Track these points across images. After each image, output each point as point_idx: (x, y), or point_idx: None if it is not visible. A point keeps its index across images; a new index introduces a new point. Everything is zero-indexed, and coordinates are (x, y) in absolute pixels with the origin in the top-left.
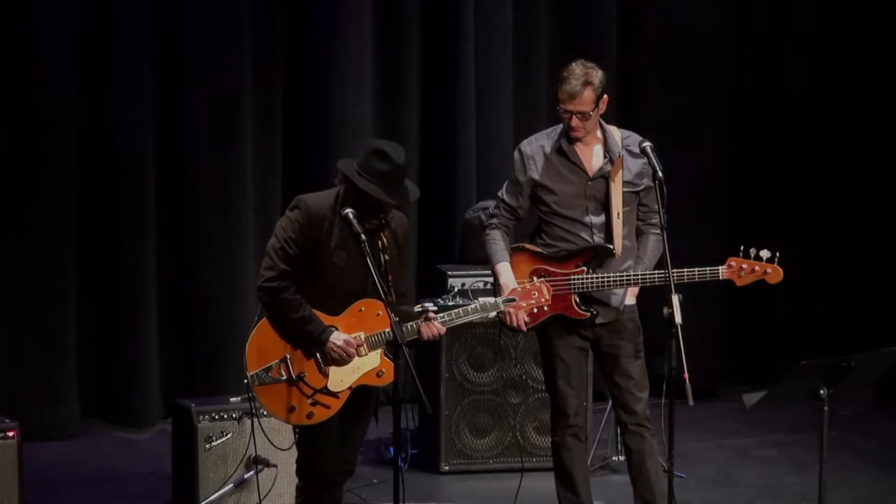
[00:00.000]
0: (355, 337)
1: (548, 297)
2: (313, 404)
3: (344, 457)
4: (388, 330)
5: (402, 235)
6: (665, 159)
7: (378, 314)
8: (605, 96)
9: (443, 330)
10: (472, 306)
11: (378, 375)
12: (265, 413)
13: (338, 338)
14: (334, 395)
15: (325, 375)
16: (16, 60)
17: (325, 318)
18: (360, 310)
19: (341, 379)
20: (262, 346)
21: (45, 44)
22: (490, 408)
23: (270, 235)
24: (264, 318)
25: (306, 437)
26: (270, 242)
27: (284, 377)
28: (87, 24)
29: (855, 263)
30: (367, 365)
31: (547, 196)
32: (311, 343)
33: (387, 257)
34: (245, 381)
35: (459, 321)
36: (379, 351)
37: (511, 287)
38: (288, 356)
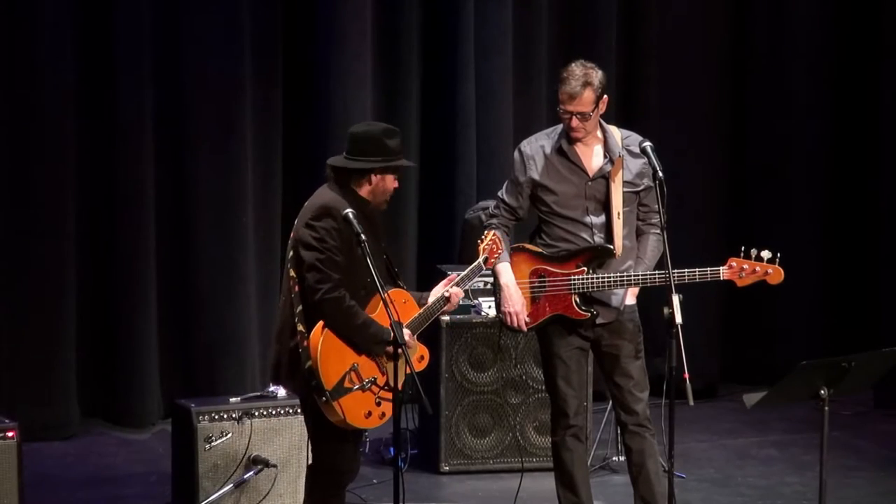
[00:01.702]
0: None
1: (500, 245)
2: (378, 403)
3: (354, 456)
4: (419, 314)
5: (379, 220)
6: (665, 159)
7: (404, 302)
8: (605, 96)
9: (460, 294)
10: (465, 272)
11: (419, 360)
12: (350, 422)
13: (405, 334)
14: (394, 389)
15: (384, 373)
16: (14, 60)
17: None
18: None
19: (399, 374)
20: (329, 359)
21: (44, 43)
22: (490, 408)
23: (271, 240)
24: (317, 333)
25: (339, 444)
26: (311, 256)
27: (357, 385)
28: (87, 23)
29: (855, 264)
30: (411, 353)
31: (547, 196)
32: (376, 344)
33: (383, 244)
34: (324, 398)
35: (465, 284)
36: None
37: (511, 286)
38: (356, 364)
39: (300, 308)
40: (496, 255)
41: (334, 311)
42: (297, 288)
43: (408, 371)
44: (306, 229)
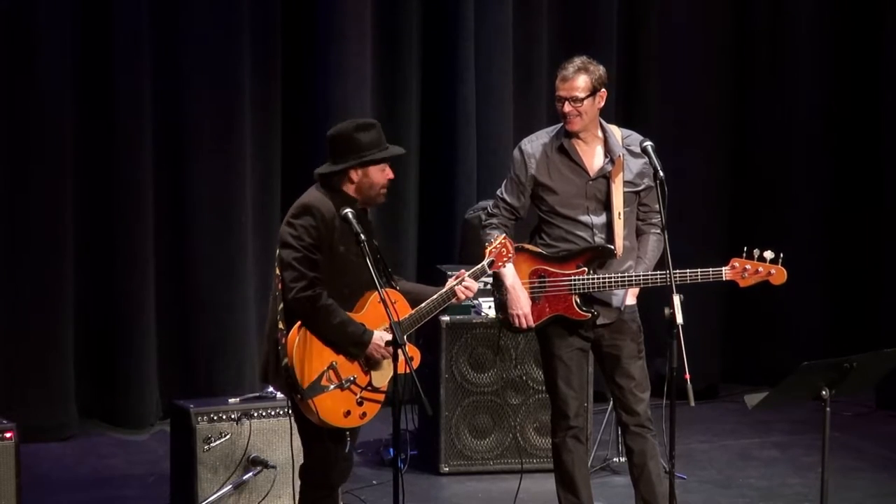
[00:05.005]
0: (385, 328)
1: (511, 250)
2: (360, 403)
3: (347, 455)
4: (413, 312)
5: (371, 220)
6: (666, 159)
7: (394, 303)
8: (604, 91)
9: (475, 287)
10: (469, 272)
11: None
12: (325, 421)
13: (381, 338)
14: (378, 390)
15: (368, 373)
16: (13, 59)
17: (352, 316)
18: (378, 301)
19: (382, 373)
20: (306, 357)
21: (43, 43)
22: (490, 409)
23: (270, 240)
24: (295, 330)
25: (323, 443)
26: (288, 254)
27: (335, 384)
28: (85, 22)
29: (857, 264)
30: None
31: (548, 195)
32: (353, 345)
33: (376, 243)
34: (298, 396)
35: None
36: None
37: (517, 288)
38: (335, 362)
39: (281, 306)
40: (504, 260)
41: (308, 309)
42: (280, 286)
43: (406, 371)
44: (286, 227)
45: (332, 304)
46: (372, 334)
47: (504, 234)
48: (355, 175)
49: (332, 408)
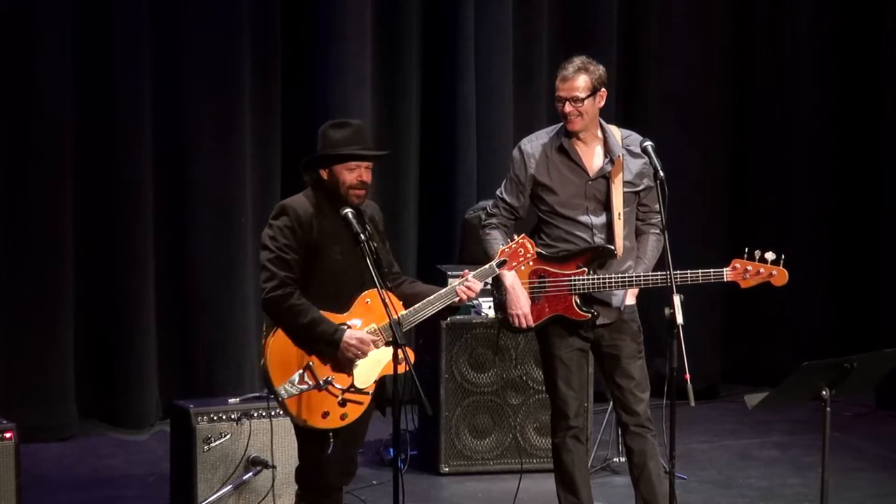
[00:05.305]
0: (370, 329)
1: (532, 250)
2: (343, 404)
3: (348, 457)
4: (403, 314)
5: (380, 220)
6: (666, 159)
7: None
8: (604, 91)
9: (478, 288)
10: (475, 273)
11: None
12: (299, 422)
13: (351, 336)
14: (362, 391)
15: (350, 374)
16: (13, 59)
17: (336, 317)
18: (367, 301)
19: (366, 374)
20: (282, 358)
21: (43, 43)
22: (490, 409)
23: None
24: (277, 330)
25: (313, 444)
26: (263, 255)
27: (312, 384)
28: (85, 22)
29: (857, 264)
30: (388, 355)
31: (547, 195)
32: (326, 344)
33: (375, 244)
34: (272, 395)
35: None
36: None
37: (517, 288)
38: (311, 363)
39: None
40: (521, 261)
41: (277, 308)
42: None
43: (406, 370)
44: (266, 228)
45: (303, 304)
46: (344, 332)
47: (524, 234)
48: (324, 172)
49: (310, 408)
